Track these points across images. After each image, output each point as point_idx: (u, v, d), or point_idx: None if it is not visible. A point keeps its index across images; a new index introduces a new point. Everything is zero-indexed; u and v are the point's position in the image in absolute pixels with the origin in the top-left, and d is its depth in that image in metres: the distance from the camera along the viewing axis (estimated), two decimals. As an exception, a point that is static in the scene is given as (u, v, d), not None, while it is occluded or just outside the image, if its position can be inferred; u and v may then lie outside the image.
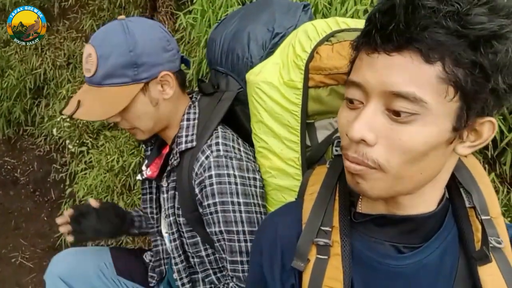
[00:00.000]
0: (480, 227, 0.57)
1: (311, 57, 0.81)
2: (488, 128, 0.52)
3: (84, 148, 2.47)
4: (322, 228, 0.62)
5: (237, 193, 0.90)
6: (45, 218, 2.66)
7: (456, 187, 0.61)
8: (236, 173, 0.91)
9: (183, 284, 1.05)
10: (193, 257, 1.04)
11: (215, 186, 0.89)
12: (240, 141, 0.99)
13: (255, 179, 0.94)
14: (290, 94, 0.84)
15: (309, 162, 0.86)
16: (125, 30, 0.91)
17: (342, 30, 0.83)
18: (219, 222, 0.90)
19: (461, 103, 0.48)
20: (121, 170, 2.17)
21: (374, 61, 0.50)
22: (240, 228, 0.90)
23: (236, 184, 0.90)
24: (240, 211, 0.90)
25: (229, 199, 0.89)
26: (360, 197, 0.65)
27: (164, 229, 1.15)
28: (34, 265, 2.34)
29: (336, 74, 0.79)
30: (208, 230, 0.94)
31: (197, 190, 0.92)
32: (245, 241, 0.90)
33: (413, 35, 0.47)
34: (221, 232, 0.91)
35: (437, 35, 0.46)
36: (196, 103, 1.03)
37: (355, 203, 0.65)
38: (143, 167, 1.12)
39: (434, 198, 0.59)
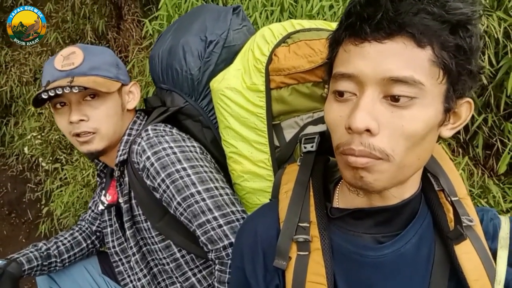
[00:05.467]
0: (451, 208, 0.59)
1: (270, 60, 0.82)
2: (466, 109, 0.55)
3: (58, 165, 2.40)
4: (300, 224, 0.62)
5: (179, 160, 0.91)
6: (24, 240, 2.57)
7: (423, 172, 0.62)
8: (172, 144, 0.93)
9: None
10: (168, 263, 1.03)
11: (156, 164, 0.90)
12: (174, 130, 1.00)
13: (194, 146, 0.96)
14: (254, 98, 0.85)
15: (279, 162, 0.87)
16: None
17: (298, 31, 0.84)
18: (173, 195, 0.90)
19: (448, 85, 0.51)
20: (98, 184, 2.12)
21: (365, 50, 0.51)
22: (193, 190, 0.89)
23: (174, 153, 0.92)
24: (188, 175, 0.90)
25: (173, 169, 0.90)
26: (337, 192, 0.65)
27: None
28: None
29: (295, 73, 0.80)
30: (171, 211, 0.93)
31: (145, 178, 0.93)
32: (203, 200, 0.88)
33: (405, 20, 0.48)
34: (179, 203, 0.90)
35: (425, 20, 0.48)
36: (142, 121, 1.06)
37: (330, 198, 0.65)
38: (102, 198, 1.10)
39: (415, 185, 0.60)
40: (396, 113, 0.50)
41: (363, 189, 0.55)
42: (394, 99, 0.49)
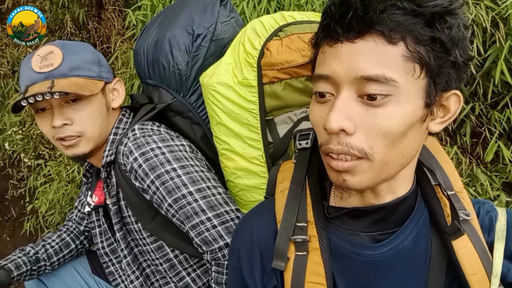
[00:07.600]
0: (447, 202, 0.59)
1: (261, 54, 0.80)
2: (454, 101, 0.54)
3: (41, 161, 2.33)
4: (298, 224, 0.61)
5: (168, 161, 0.88)
6: (8, 238, 2.51)
7: (419, 166, 0.62)
8: (160, 144, 0.90)
9: None
10: (161, 264, 1.01)
11: (144, 166, 0.87)
12: (162, 128, 0.97)
13: (183, 145, 0.94)
14: (246, 93, 0.82)
15: (273, 159, 0.85)
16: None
17: (289, 24, 0.82)
18: (164, 197, 0.87)
19: (427, 79, 0.50)
20: (83, 180, 2.07)
21: (338, 51, 0.51)
22: (184, 191, 0.86)
23: (163, 153, 0.89)
24: (178, 175, 0.87)
25: (162, 170, 0.87)
26: (332, 191, 0.65)
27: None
28: (1, 289, 2.22)
29: (288, 68, 0.78)
30: (162, 212, 0.91)
31: (133, 179, 0.90)
32: (195, 200, 0.86)
33: (373, 18, 0.48)
34: (170, 205, 0.87)
35: (395, 16, 0.48)
36: (129, 119, 1.02)
37: (327, 196, 0.65)
38: (88, 199, 1.07)
39: (409, 181, 0.59)
40: (371, 112, 0.50)
41: (347, 190, 0.56)
42: (370, 97, 0.49)
